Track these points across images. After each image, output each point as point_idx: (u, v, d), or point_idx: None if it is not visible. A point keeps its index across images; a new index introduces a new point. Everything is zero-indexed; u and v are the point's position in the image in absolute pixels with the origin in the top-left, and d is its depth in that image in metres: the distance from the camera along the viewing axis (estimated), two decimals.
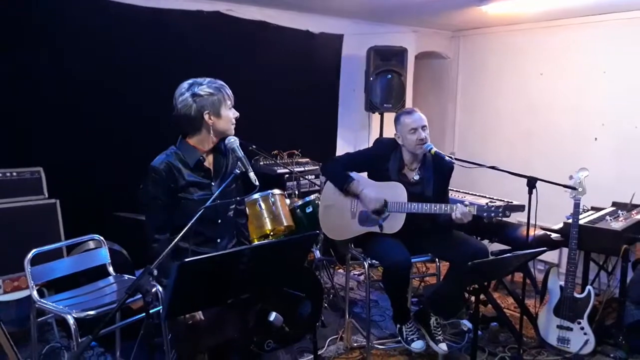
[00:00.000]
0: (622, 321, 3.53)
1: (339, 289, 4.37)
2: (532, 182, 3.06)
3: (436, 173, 3.20)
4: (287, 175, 4.39)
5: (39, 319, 2.81)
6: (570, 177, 3.35)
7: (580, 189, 3.30)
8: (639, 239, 3.61)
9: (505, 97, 5.51)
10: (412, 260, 3.04)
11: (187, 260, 1.64)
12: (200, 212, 2.00)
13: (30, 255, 2.75)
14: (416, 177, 3.20)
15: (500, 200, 3.79)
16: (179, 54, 4.11)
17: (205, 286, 1.81)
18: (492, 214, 2.87)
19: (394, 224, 3.08)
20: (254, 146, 3.79)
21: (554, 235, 3.80)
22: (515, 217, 3.39)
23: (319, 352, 3.42)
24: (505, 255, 2.56)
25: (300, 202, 3.91)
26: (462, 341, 3.59)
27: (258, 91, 4.46)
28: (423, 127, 3.11)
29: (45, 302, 2.70)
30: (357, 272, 4.99)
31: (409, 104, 5.35)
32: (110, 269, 3.10)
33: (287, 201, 3.90)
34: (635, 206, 3.96)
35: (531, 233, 3.31)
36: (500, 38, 5.52)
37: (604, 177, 4.45)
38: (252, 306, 2.48)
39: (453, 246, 3.07)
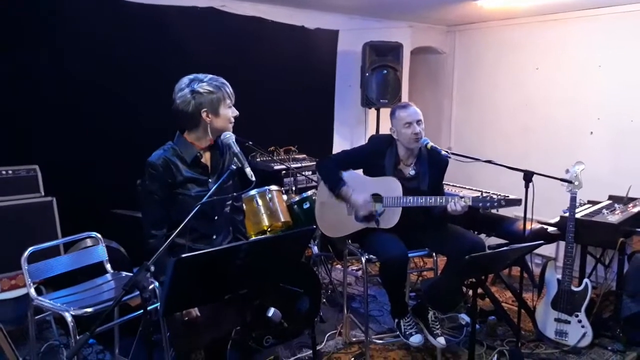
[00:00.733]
0: (620, 314, 3.54)
1: (337, 285, 4.38)
2: (528, 176, 3.06)
3: (432, 168, 3.20)
4: (284, 172, 4.39)
5: (37, 317, 2.80)
6: (567, 171, 3.36)
7: (576, 183, 3.31)
8: (636, 232, 3.62)
9: (501, 91, 5.52)
10: (410, 255, 3.03)
11: (183, 256, 1.64)
12: (196, 208, 2.00)
13: (27, 253, 2.74)
14: (412, 173, 3.20)
15: (497, 195, 3.80)
16: (174, 50, 4.11)
17: (202, 282, 1.81)
18: (488, 204, 2.88)
19: (390, 218, 3.08)
20: (250, 142, 3.79)
21: (550, 228, 3.80)
22: (512, 211, 3.40)
23: (318, 348, 3.43)
24: (502, 249, 2.57)
25: (297, 198, 3.92)
26: (460, 335, 3.60)
27: (254, 87, 4.45)
28: (418, 122, 3.10)
29: (43, 299, 2.69)
30: (354, 268, 5.00)
31: (404, 99, 5.35)
32: (108, 266, 3.09)
33: (284, 197, 3.91)
34: (632, 199, 3.98)
35: (528, 227, 3.31)
36: (496, 32, 5.52)
37: (600, 170, 4.47)
38: (250, 302, 2.48)
39: (450, 240, 3.07)
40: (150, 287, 2.61)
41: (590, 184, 3.55)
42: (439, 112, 6.18)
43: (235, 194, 2.46)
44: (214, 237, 2.43)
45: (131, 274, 3.07)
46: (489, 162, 3.18)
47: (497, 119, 5.58)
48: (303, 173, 4.45)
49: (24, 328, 3.01)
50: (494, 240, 4.09)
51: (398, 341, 3.39)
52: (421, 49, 5.91)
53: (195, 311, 2.25)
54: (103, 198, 3.76)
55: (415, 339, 3.05)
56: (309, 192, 3.91)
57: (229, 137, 2.29)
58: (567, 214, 3.43)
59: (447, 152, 3.16)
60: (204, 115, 2.26)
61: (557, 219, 3.71)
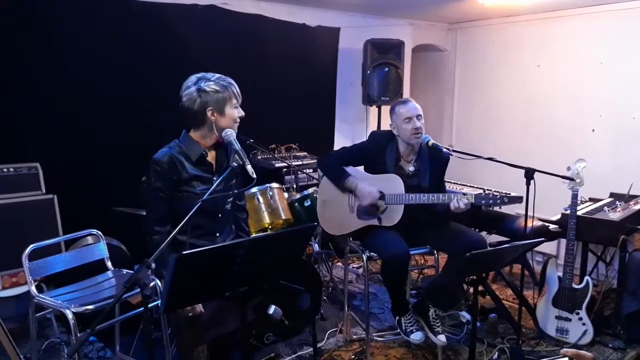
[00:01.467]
0: (620, 311, 3.54)
1: (338, 282, 4.38)
2: (530, 174, 3.06)
3: (432, 164, 3.19)
4: (285, 169, 4.39)
5: (38, 315, 2.80)
6: (568, 168, 3.35)
7: (578, 180, 3.31)
8: (637, 230, 3.62)
9: (503, 89, 5.51)
10: (411, 252, 3.03)
11: (184, 252, 1.64)
12: (198, 205, 2.00)
13: (28, 250, 2.74)
14: (412, 169, 3.20)
15: (498, 192, 3.79)
16: (175, 48, 4.10)
17: (203, 279, 1.80)
18: (490, 202, 2.87)
19: (392, 216, 3.08)
20: (251, 140, 3.78)
21: (552, 226, 3.81)
22: (513, 209, 3.40)
23: (319, 345, 3.44)
24: (503, 246, 2.56)
25: (298, 196, 3.91)
26: (461, 332, 3.60)
27: (255, 85, 4.42)
28: (418, 117, 3.10)
29: (44, 297, 2.69)
30: (356, 265, 5.00)
31: (406, 96, 5.33)
32: (109, 264, 3.09)
33: (286, 195, 3.91)
34: (633, 197, 3.97)
35: (529, 224, 3.30)
36: (497, 30, 5.51)
37: (602, 168, 4.46)
38: (251, 299, 2.48)
39: (451, 238, 3.07)
40: (151, 284, 2.61)
41: (592, 182, 3.54)
42: (441, 110, 6.17)
43: (236, 191, 2.46)
44: (217, 234, 2.43)
45: (132, 272, 3.07)
46: (491, 159, 3.18)
47: (499, 117, 5.58)
48: (304, 171, 4.45)
49: (25, 325, 3.01)
50: (495, 238, 4.09)
51: (399, 339, 3.39)
52: (422, 46, 5.90)
53: (199, 307, 2.25)
54: (104, 196, 3.75)
55: (416, 337, 3.05)
56: (310, 190, 3.90)
57: (230, 134, 2.29)
58: (568, 212, 3.43)
59: (448, 149, 3.15)
60: (209, 113, 2.27)
61: (559, 216, 3.71)
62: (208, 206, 2.24)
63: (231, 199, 2.49)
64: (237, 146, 2.25)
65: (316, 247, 4.11)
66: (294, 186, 4.37)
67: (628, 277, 3.53)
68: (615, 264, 3.88)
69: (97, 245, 3.11)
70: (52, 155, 3.60)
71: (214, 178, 2.37)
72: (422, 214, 3.15)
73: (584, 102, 4.81)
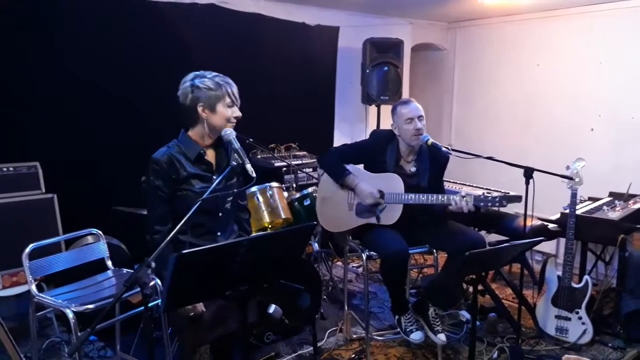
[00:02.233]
0: (620, 310, 3.54)
1: (337, 282, 4.38)
2: (529, 173, 3.06)
3: (432, 164, 3.20)
4: (284, 168, 4.39)
5: (38, 314, 2.80)
6: (567, 168, 3.35)
7: (577, 179, 3.31)
8: (636, 229, 3.62)
9: (502, 88, 5.51)
10: (410, 251, 3.03)
11: (184, 252, 1.64)
12: (197, 204, 2.00)
13: (28, 249, 2.74)
14: (413, 169, 3.20)
15: (497, 191, 3.80)
16: (174, 47, 4.10)
17: (203, 278, 1.81)
18: (489, 204, 2.88)
19: (391, 215, 3.08)
20: (251, 139, 3.78)
21: (551, 225, 3.81)
22: (512, 208, 3.40)
23: (319, 344, 3.44)
24: (502, 245, 2.56)
25: (298, 195, 3.91)
26: (461, 332, 3.61)
27: (254, 84, 4.44)
28: (419, 118, 3.10)
29: (44, 296, 2.69)
30: (355, 265, 5.00)
31: (405, 95, 5.34)
32: (109, 263, 3.09)
33: (285, 194, 3.91)
34: (632, 196, 3.98)
35: (528, 223, 3.31)
36: (497, 29, 5.51)
37: (601, 167, 4.46)
38: (251, 298, 2.49)
39: (450, 237, 3.07)
40: (151, 283, 2.62)
41: (591, 181, 3.55)
42: (440, 109, 6.17)
43: (235, 190, 2.47)
44: (219, 233, 2.43)
45: (132, 271, 3.07)
46: (490, 158, 3.18)
47: (498, 116, 5.58)
48: (304, 170, 4.45)
49: (26, 325, 3.00)
50: (494, 237, 4.09)
51: (398, 338, 3.39)
52: (422, 45, 5.91)
53: (201, 306, 2.26)
54: (104, 195, 3.76)
55: (416, 336, 3.05)
56: (310, 189, 3.91)
57: (230, 133, 2.30)
58: (567, 211, 3.43)
59: (447, 148, 3.15)
60: (200, 109, 2.28)
61: (558, 215, 3.71)
62: (208, 205, 2.24)
63: (231, 198, 2.49)
64: (237, 145, 2.26)
65: (316, 246, 4.11)
66: (294, 185, 4.37)
67: (627, 276, 3.53)
68: (615, 263, 3.88)
69: (97, 245, 3.11)
70: (52, 155, 3.60)
71: (214, 177, 2.37)
72: (421, 213, 3.16)
73: (584, 102, 4.82)
